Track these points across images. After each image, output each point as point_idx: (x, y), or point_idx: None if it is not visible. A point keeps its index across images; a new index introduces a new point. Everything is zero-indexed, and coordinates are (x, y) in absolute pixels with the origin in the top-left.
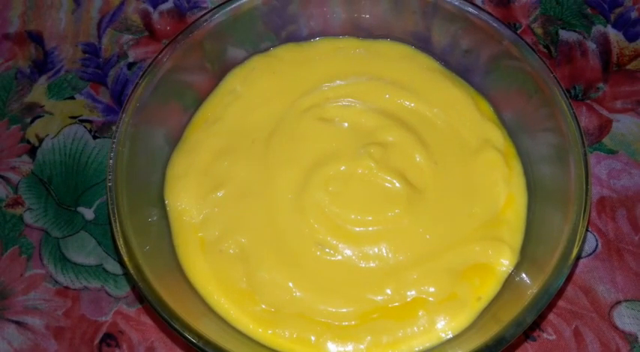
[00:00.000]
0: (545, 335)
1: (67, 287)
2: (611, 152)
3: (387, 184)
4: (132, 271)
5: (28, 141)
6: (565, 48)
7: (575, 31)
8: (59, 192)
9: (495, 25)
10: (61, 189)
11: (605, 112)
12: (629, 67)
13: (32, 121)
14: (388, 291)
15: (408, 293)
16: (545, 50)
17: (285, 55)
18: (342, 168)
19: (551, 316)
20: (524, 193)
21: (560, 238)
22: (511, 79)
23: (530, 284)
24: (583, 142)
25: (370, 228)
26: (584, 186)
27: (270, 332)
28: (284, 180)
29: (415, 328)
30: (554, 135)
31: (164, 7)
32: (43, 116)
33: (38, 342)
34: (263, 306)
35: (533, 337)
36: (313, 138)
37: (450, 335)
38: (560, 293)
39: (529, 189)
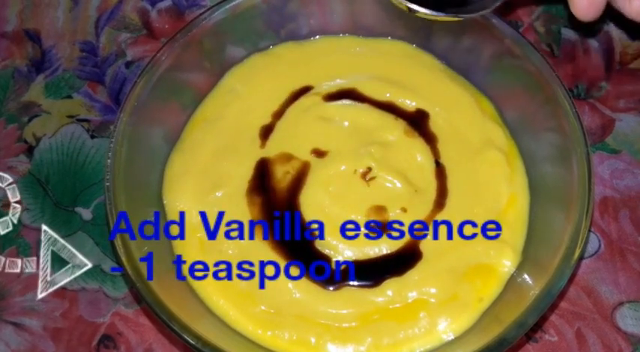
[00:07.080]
0: (547, 337)
1: (64, 288)
2: (614, 152)
3: (387, 184)
4: (130, 272)
5: (25, 141)
6: (567, 46)
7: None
8: (56, 192)
9: (497, 23)
10: (58, 189)
11: (607, 111)
12: (632, 65)
13: (29, 120)
14: (389, 293)
15: (409, 294)
16: (547, 49)
17: (285, 53)
18: (342, 167)
19: (553, 317)
20: (526, 193)
21: (563, 239)
22: (513, 78)
23: (533, 285)
24: (586, 142)
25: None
26: (587, 186)
27: (269, 333)
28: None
29: (416, 329)
30: (556, 135)
31: (162, 5)
32: (40, 115)
33: (35, 344)
34: (262, 307)
35: (535, 338)
36: (313, 137)
37: (452, 337)
38: (563, 294)
39: (531, 189)
